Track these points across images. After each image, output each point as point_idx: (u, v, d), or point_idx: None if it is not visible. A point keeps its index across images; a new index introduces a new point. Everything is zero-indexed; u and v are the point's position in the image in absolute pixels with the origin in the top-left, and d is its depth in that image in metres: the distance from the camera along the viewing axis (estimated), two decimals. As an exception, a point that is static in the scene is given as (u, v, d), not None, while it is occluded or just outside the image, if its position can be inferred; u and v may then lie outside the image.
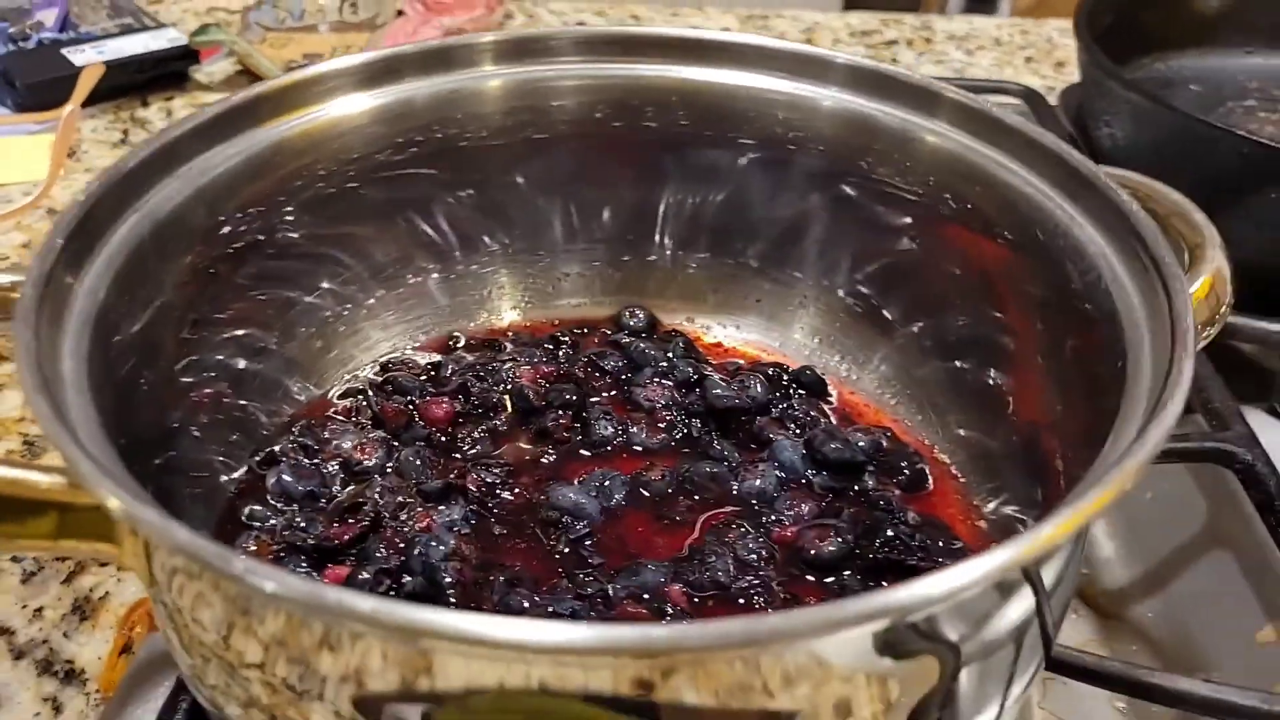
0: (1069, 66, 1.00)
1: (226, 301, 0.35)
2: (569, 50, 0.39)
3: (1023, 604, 0.26)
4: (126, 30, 0.89)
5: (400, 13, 0.98)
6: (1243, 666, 0.40)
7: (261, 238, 0.36)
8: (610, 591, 0.32)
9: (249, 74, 0.89)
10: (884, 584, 0.34)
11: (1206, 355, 0.51)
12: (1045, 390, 0.33)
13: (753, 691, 0.21)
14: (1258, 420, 0.49)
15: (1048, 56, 1.02)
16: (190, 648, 0.27)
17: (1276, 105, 0.72)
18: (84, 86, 0.76)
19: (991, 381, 0.37)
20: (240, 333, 0.36)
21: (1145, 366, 0.26)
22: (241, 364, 0.37)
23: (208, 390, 0.35)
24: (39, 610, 0.43)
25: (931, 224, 0.39)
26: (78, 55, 0.82)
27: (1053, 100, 0.82)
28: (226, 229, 0.34)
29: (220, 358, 0.35)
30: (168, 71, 0.86)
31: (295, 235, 0.37)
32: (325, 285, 0.40)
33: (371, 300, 0.43)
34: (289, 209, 0.36)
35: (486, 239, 0.44)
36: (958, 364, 0.40)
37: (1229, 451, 0.43)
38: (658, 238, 0.45)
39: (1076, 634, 0.44)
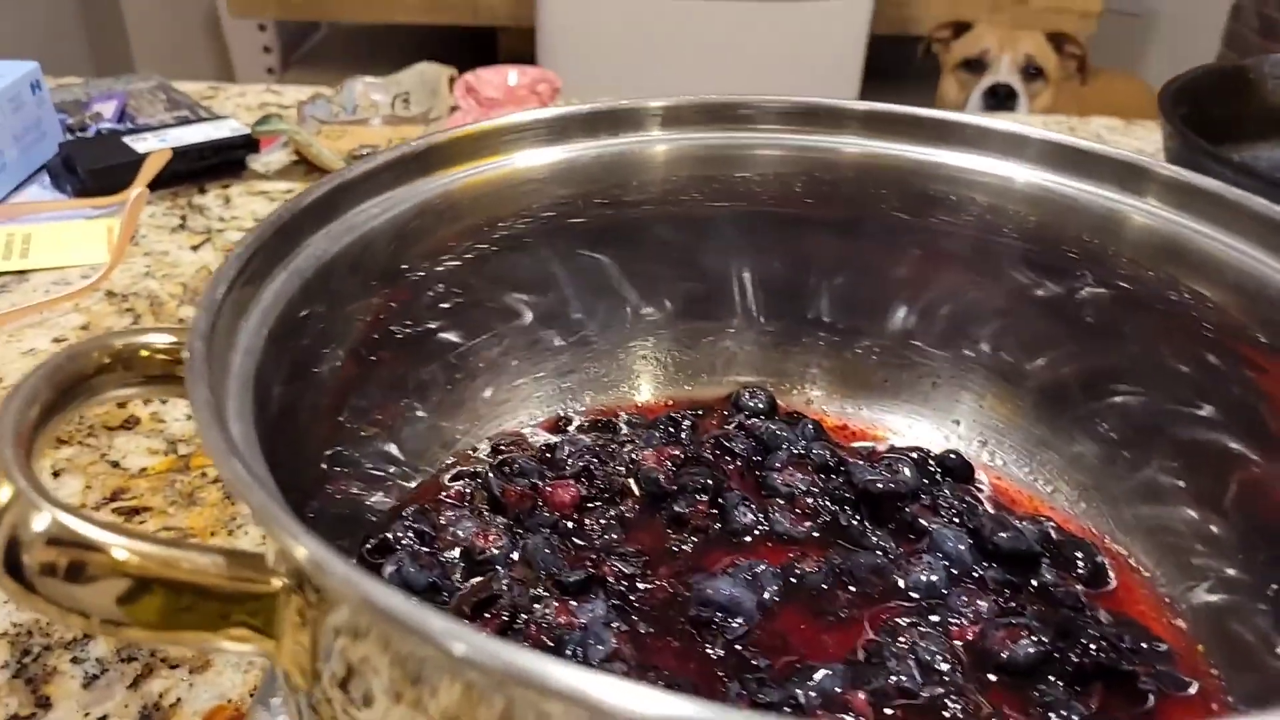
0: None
1: (364, 374, 0.32)
2: (763, 119, 0.38)
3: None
4: (184, 122, 0.90)
5: (454, 109, 0.99)
6: None
7: (401, 301, 0.33)
8: (801, 698, 0.28)
9: (305, 164, 0.89)
10: (1093, 692, 0.30)
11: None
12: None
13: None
14: None
15: (1098, 153, 1.03)
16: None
17: (1360, 194, 0.71)
18: (150, 169, 0.75)
19: (1205, 463, 0.34)
20: (376, 406, 0.33)
21: None
22: (372, 443, 0.34)
23: (341, 473, 0.32)
24: (103, 719, 0.38)
25: (1128, 306, 0.36)
26: (140, 143, 0.82)
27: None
28: (370, 286, 0.32)
29: (357, 437, 0.32)
30: (226, 160, 0.86)
31: (435, 300, 0.35)
32: (450, 358, 0.37)
33: (489, 376, 0.40)
34: (437, 269, 0.34)
35: (612, 314, 0.42)
36: (1142, 448, 0.36)
37: None
38: (799, 317, 0.43)
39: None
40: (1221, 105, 0.75)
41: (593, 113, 0.36)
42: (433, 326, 0.36)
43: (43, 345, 0.62)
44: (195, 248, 0.74)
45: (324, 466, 0.31)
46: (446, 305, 0.36)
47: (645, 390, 0.44)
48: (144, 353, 0.26)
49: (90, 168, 0.77)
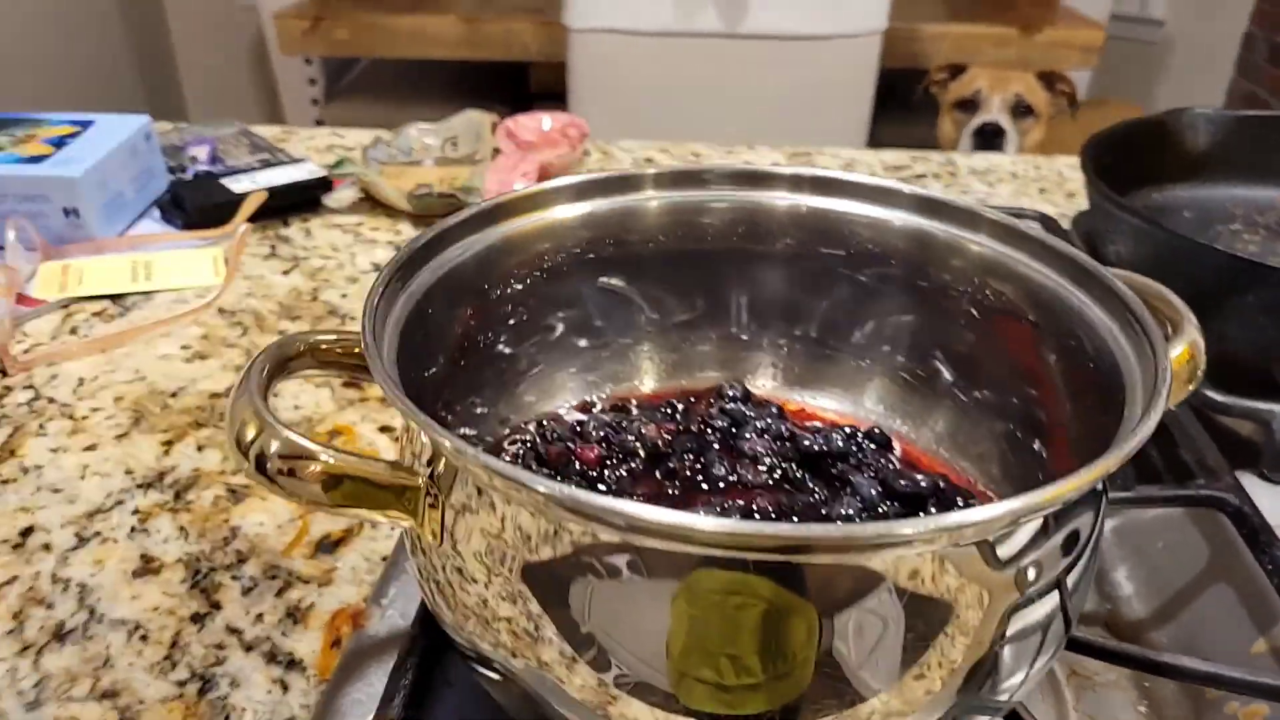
0: (1079, 197, 1.13)
1: (452, 374, 0.47)
2: (716, 181, 0.53)
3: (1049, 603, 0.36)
4: (267, 164, 1.05)
5: (497, 150, 1.14)
6: (1242, 671, 0.49)
7: (477, 319, 0.48)
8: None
9: (370, 200, 1.04)
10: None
11: (1202, 426, 0.61)
12: (1072, 434, 0.44)
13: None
14: (1249, 483, 0.59)
15: (1059, 188, 1.16)
16: (454, 605, 0.37)
17: (1258, 228, 0.85)
18: (249, 207, 0.90)
19: (1026, 431, 0.48)
20: (455, 398, 0.48)
21: (1138, 396, 0.36)
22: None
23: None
24: (260, 616, 0.53)
25: (977, 314, 0.50)
26: (235, 184, 0.97)
27: (1065, 224, 0.95)
28: (458, 307, 0.46)
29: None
30: (305, 198, 1.01)
31: (501, 316, 0.49)
32: (504, 363, 0.53)
33: (534, 374, 0.55)
34: (502, 292, 0.49)
35: (621, 325, 0.56)
36: (997, 421, 0.50)
37: (1221, 497, 0.53)
38: (756, 326, 0.57)
39: (1105, 651, 0.53)
40: (1145, 153, 0.89)
41: (606, 178, 0.51)
42: (496, 337, 0.51)
43: (173, 351, 0.77)
44: (285, 273, 0.90)
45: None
46: (510, 321, 0.50)
47: (649, 382, 0.59)
48: (323, 345, 0.41)
49: (197, 205, 0.93)
